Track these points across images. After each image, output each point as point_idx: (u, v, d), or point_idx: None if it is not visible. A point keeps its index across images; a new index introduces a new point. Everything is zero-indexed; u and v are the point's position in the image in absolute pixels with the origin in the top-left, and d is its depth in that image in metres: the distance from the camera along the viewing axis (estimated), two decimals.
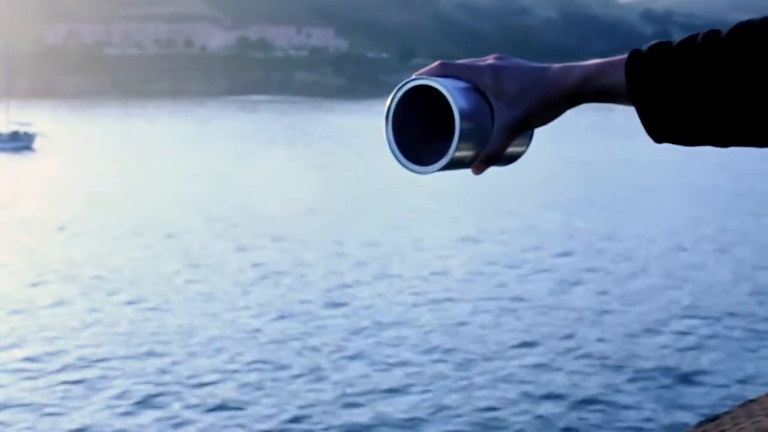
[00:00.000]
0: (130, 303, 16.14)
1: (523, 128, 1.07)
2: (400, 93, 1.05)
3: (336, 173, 39.93)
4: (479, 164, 1.07)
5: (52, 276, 18.12)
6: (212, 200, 29.92)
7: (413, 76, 1.06)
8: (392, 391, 11.62)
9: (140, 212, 26.83)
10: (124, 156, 46.26)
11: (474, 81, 1.06)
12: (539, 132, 0.97)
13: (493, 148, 1.06)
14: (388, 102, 1.06)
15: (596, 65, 1.05)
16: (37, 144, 49.64)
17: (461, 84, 1.05)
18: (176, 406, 11.09)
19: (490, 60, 1.09)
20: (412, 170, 1.05)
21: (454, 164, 1.04)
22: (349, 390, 11.58)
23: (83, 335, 14.17)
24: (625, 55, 1.03)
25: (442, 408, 11.03)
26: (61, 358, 12.96)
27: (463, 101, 1.02)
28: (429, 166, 1.04)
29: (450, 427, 10.46)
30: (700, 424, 2.13)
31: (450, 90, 1.02)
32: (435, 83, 1.03)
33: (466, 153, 1.04)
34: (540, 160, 39.07)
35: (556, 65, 1.08)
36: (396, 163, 1.06)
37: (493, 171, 1.10)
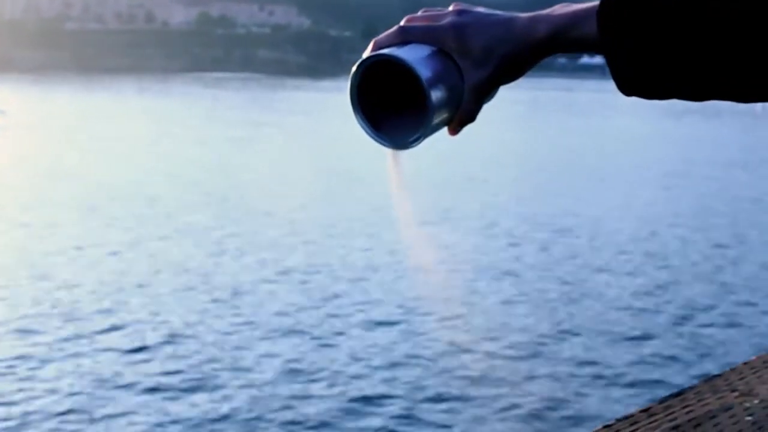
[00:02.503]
0: (97, 280, 16.01)
1: (493, 87, 1.04)
2: (361, 70, 1.01)
3: (300, 149, 39.78)
4: (455, 127, 1.04)
5: (15, 255, 17.91)
6: (178, 176, 29.76)
7: (371, 50, 1.02)
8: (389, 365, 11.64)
9: (105, 189, 26.57)
10: (86, 133, 45.70)
11: (437, 44, 1.01)
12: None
13: (467, 110, 1.02)
14: (351, 81, 1.01)
15: (566, 16, 1.00)
16: None
17: (424, 51, 1.01)
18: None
19: (451, 16, 1.03)
20: (392, 148, 1.02)
21: (432, 131, 1.01)
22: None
23: (48, 311, 14.04)
24: (597, 3, 0.98)
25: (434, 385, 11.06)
26: (30, 336, 12.86)
27: (428, 71, 0.98)
28: (408, 140, 1.01)
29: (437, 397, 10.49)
30: (665, 399, 2.11)
31: (413, 62, 0.98)
32: (396, 57, 0.98)
33: (441, 118, 1.01)
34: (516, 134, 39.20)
35: (523, 16, 1.03)
36: (371, 140, 1.03)
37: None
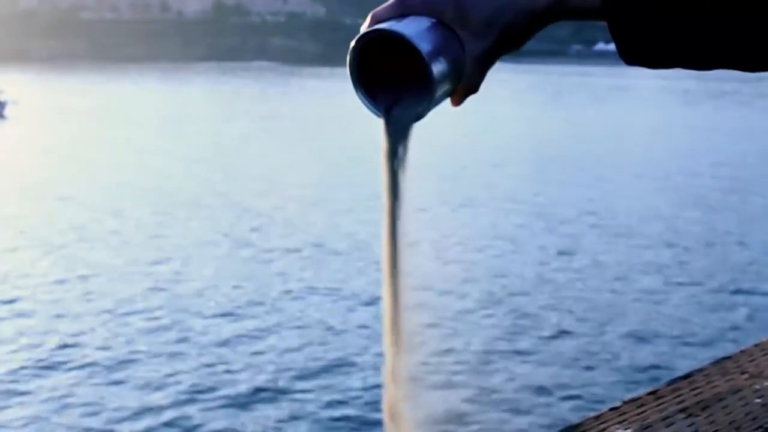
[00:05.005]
0: (105, 270, 16.04)
1: (495, 57, 1.01)
2: (360, 46, 0.99)
3: (316, 137, 39.73)
4: (458, 98, 1.03)
5: (24, 246, 17.93)
6: (193, 167, 29.71)
7: (369, 23, 1.00)
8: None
9: (117, 180, 26.59)
10: (99, 123, 45.71)
11: (436, 15, 0.99)
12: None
13: (470, 81, 1.01)
14: (350, 57, 0.99)
15: None
16: (8, 111, 48.53)
17: (424, 23, 0.98)
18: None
19: None
20: (396, 123, 0.99)
21: (436, 104, 0.99)
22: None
23: (58, 299, 14.09)
24: None
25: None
26: (39, 324, 12.90)
27: (428, 44, 0.95)
28: (413, 115, 0.98)
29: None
30: (673, 381, 2.08)
31: (413, 36, 0.95)
32: (395, 32, 0.95)
33: (444, 90, 0.99)
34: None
35: None
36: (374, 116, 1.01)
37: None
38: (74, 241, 18.17)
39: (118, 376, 11.00)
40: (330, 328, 12.88)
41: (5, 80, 61.91)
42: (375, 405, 10.19)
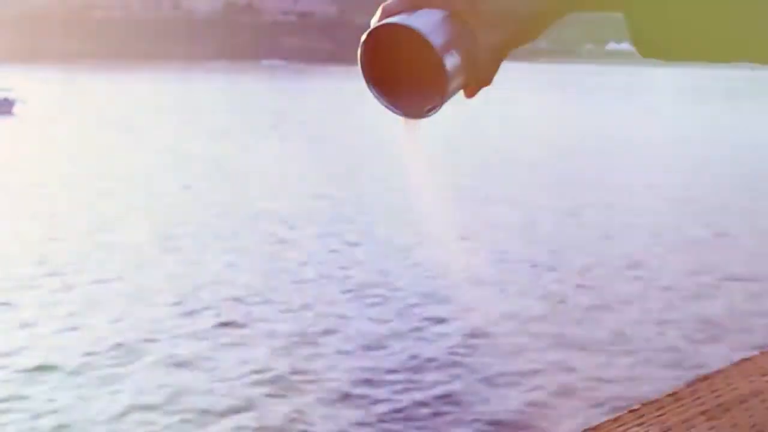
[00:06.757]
0: (108, 275, 16.02)
1: (509, 49, 1.00)
2: (371, 40, 0.98)
3: (326, 136, 39.74)
4: (471, 91, 1.02)
5: (26, 243, 17.91)
6: (201, 167, 29.66)
7: (380, 17, 0.98)
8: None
9: (123, 178, 26.55)
10: (109, 122, 45.69)
11: (448, 7, 0.97)
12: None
13: (483, 73, 1.00)
14: (361, 51, 0.99)
15: None
16: (16, 109, 48.42)
17: (436, 16, 0.96)
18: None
19: None
20: (409, 117, 0.99)
21: (449, 97, 0.99)
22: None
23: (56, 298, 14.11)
24: None
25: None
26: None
27: (441, 38, 0.94)
28: (425, 109, 0.98)
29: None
30: (692, 383, 2.02)
31: (425, 30, 0.94)
32: (406, 25, 0.94)
33: (457, 83, 0.98)
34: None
35: None
36: (387, 110, 1.00)
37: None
38: (73, 239, 18.18)
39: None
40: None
41: (16, 79, 61.98)
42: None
